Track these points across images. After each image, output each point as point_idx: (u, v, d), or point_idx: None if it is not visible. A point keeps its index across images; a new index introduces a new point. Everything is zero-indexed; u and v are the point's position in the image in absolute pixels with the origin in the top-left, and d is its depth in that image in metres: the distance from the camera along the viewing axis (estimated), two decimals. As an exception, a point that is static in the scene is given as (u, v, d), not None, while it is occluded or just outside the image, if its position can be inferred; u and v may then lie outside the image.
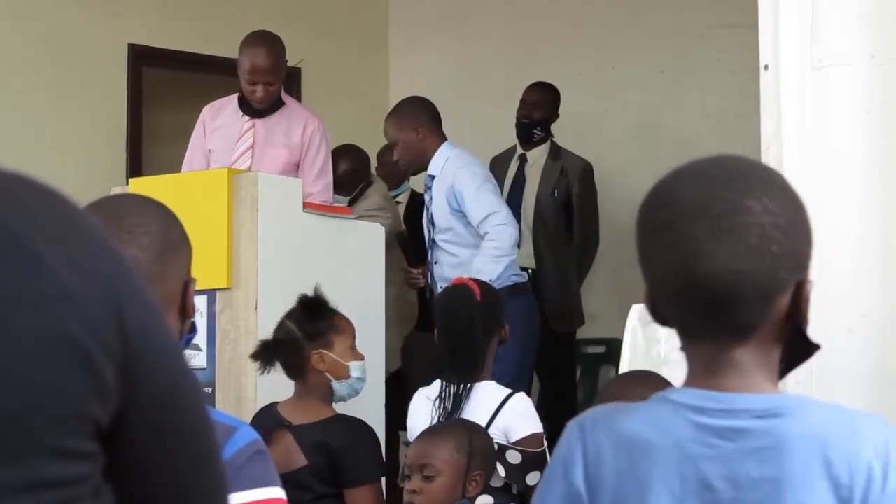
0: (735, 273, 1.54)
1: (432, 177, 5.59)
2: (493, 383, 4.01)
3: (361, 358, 4.10)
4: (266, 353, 4.02)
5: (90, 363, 1.17)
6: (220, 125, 5.69)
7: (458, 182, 5.46)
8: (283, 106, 5.64)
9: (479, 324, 4.03)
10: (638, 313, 3.44)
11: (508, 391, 3.96)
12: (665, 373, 3.23)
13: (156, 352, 1.23)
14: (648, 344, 3.39)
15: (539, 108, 6.74)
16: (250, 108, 5.63)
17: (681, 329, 1.62)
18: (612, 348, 6.40)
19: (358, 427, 3.95)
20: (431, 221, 5.59)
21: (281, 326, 4.05)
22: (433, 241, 5.59)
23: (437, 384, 4.10)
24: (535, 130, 6.73)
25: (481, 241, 5.36)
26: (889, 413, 2.70)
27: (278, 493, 2.20)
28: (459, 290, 4.16)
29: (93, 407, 1.17)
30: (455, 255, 5.47)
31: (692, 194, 1.57)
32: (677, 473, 1.56)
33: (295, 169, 5.58)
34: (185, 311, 2.03)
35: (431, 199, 5.59)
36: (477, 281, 4.26)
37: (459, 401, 3.95)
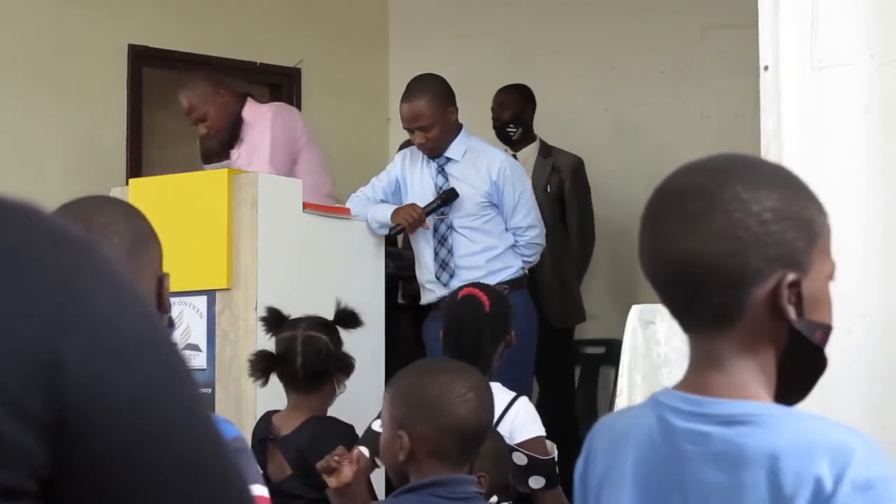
0: (698, 255, 1.56)
1: (446, 160, 5.41)
2: (498, 385, 4.01)
3: None
4: (309, 367, 4.07)
5: None
6: None
7: (510, 177, 5.38)
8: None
9: (488, 334, 4.05)
10: (638, 313, 3.44)
11: (513, 394, 3.96)
12: (665, 373, 3.23)
13: (115, 401, 1.03)
14: (648, 345, 3.39)
15: (507, 108, 6.74)
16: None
17: (674, 319, 1.65)
18: (612, 349, 6.38)
19: (327, 424, 4.01)
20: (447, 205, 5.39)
21: (314, 342, 4.09)
22: (450, 226, 5.40)
23: None
24: (508, 130, 6.72)
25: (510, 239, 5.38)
26: (889, 413, 2.70)
27: (261, 490, 2.22)
28: (469, 300, 4.14)
29: None
30: (476, 242, 5.37)
31: (672, 182, 1.62)
32: (648, 471, 1.61)
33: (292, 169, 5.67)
34: (162, 306, 2.03)
35: (447, 183, 5.40)
36: (485, 289, 4.24)
37: None
